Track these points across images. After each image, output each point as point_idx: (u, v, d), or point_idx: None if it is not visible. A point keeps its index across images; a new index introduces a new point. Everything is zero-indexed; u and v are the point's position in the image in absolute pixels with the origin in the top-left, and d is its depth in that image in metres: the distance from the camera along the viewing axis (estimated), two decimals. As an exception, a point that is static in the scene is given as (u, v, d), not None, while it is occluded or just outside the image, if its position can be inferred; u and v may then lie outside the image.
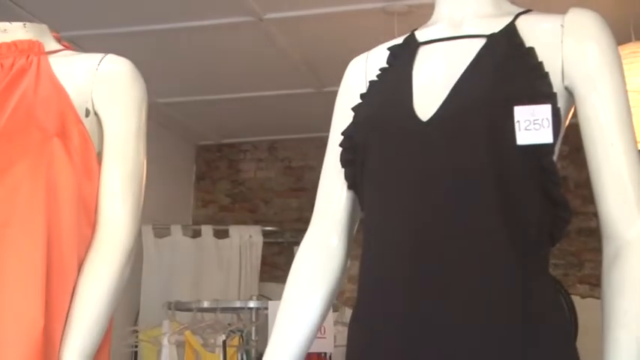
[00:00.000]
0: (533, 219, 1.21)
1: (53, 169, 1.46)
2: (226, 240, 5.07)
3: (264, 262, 5.30)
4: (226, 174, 6.10)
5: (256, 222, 5.61)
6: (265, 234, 5.23)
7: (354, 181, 1.39)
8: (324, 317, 1.43)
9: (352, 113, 1.40)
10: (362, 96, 1.41)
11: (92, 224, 1.51)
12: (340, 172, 1.42)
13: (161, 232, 5.02)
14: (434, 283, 1.20)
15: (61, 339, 1.41)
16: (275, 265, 5.61)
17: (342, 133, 1.40)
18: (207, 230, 5.08)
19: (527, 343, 1.16)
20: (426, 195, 1.23)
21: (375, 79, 1.41)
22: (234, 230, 5.08)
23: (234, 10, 3.71)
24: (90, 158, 1.53)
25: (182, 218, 5.61)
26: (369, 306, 1.28)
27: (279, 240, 5.56)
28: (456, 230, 1.20)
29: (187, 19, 3.86)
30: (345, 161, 1.39)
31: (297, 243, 5.09)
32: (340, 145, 1.40)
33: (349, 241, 1.46)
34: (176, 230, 5.02)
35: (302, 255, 1.45)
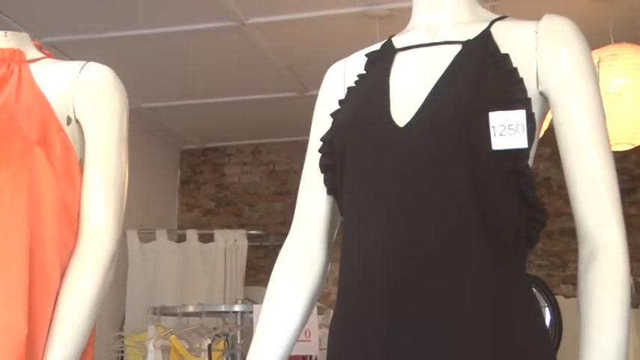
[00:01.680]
0: (510, 222, 1.23)
1: (35, 177, 1.47)
2: (211, 244, 5.08)
3: (249, 265, 5.31)
4: (211, 178, 6.11)
5: (241, 226, 5.63)
6: (250, 238, 5.24)
7: (333, 186, 1.40)
8: (305, 321, 1.44)
9: (331, 119, 1.42)
10: (340, 102, 1.43)
11: (75, 231, 1.52)
12: (320, 177, 1.43)
13: (146, 236, 5.02)
14: (410, 285, 1.21)
15: (45, 347, 1.41)
16: (260, 269, 5.62)
17: (321, 139, 1.41)
18: (192, 234, 5.08)
19: (503, 346, 1.18)
20: (403, 199, 1.25)
21: (353, 85, 1.43)
22: (219, 234, 5.09)
23: (216, 15, 3.72)
24: (72, 166, 1.53)
25: (167, 223, 5.61)
26: (348, 310, 1.29)
27: (264, 244, 5.57)
28: (432, 234, 1.22)
29: (170, 24, 3.87)
30: (324, 166, 1.40)
31: (282, 246, 5.05)
32: (319, 150, 1.41)
33: (329, 246, 1.48)
34: (161, 235, 5.02)
35: (282, 260, 1.47)
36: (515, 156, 1.22)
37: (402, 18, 3.55)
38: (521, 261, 1.27)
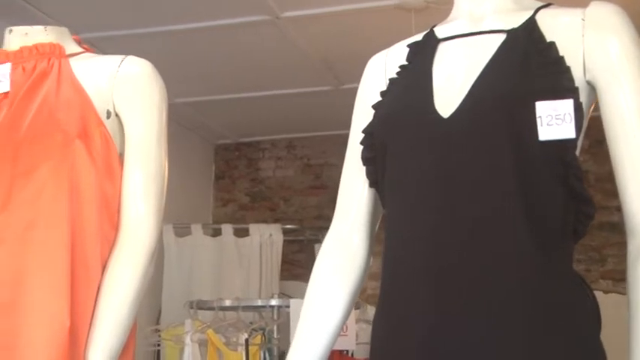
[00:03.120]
0: (557, 215, 1.21)
1: (76, 170, 1.47)
2: (246, 238, 5.08)
3: (285, 260, 5.30)
4: (245, 173, 6.12)
5: (276, 220, 5.62)
6: (285, 232, 5.23)
7: (375, 179, 1.39)
8: (347, 315, 1.43)
9: (372, 111, 1.40)
10: (382, 94, 1.41)
11: (115, 225, 1.52)
12: (361, 170, 1.42)
13: (182, 231, 5.04)
14: (455, 277, 1.19)
15: (87, 339, 1.42)
16: (295, 263, 5.62)
17: (363, 131, 1.40)
18: (227, 229, 5.09)
19: (550, 340, 1.16)
20: (447, 192, 1.23)
21: (395, 76, 1.41)
22: (254, 229, 5.09)
23: (251, 9, 3.72)
24: (112, 160, 1.54)
25: (202, 217, 5.63)
26: (392, 305, 1.28)
27: (299, 238, 5.56)
28: (477, 227, 1.20)
29: (204, 19, 3.87)
30: (366, 159, 1.39)
31: (318, 241, 5.12)
32: (361, 143, 1.40)
33: (371, 239, 1.46)
34: (196, 229, 5.04)
35: (324, 254, 1.46)
36: (562, 146, 1.19)
37: (437, 10, 3.52)
38: (567, 255, 1.25)
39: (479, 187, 1.21)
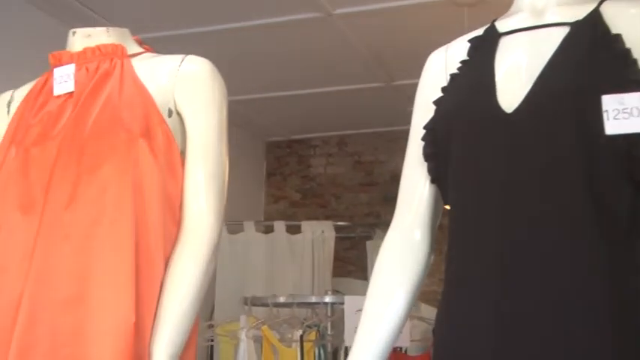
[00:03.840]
0: (625, 210, 1.19)
1: (139, 168, 1.49)
2: (299, 235, 5.10)
3: (336, 257, 5.31)
4: (296, 170, 6.15)
5: (327, 217, 5.64)
6: (337, 229, 5.24)
7: (437, 175, 1.38)
8: (409, 310, 1.43)
9: (433, 107, 1.39)
10: (443, 89, 1.40)
11: (177, 222, 1.54)
12: (422, 165, 1.41)
13: (234, 228, 5.08)
14: (525, 280, 1.18)
15: (151, 334, 1.44)
16: (346, 260, 5.63)
17: (424, 127, 1.39)
18: (279, 226, 5.11)
19: (622, 337, 1.14)
20: (513, 188, 1.22)
21: (456, 71, 1.40)
22: (306, 226, 5.11)
23: (303, 7, 3.74)
24: (173, 157, 1.56)
25: (254, 214, 5.67)
26: (459, 299, 1.27)
27: (351, 235, 5.57)
28: (544, 223, 1.19)
29: (256, 18, 3.90)
30: (428, 155, 1.39)
31: (369, 238, 5.10)
32: (422, 138, 1.40)
33: (432, 235, 1.46)
34: (249, 226, 5.07)
35: (386, 249, 1.46)
36: (630, 141, 1.17)
37: (490, 4, 3.49)
38: (638, 249, 1.23)
39: (545, 182, 1.20)
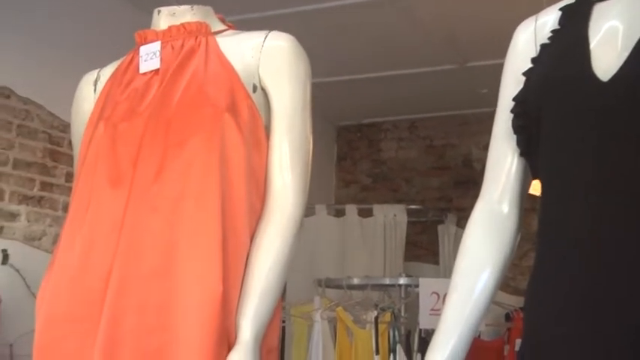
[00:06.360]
0: None
1: (225, 143, 1.51)
2: (370, 219, 5.10)
3: (407, 241, 5.29)
4: (367, 154, 6.13)
5: (398, 201, 5.62)
6: (408, 213, 5.21)
7: (527, 148, 1.36)
8: (497, 288, 1.41)
9: (523, 78, 1.37)
10: (533, 60, 1.37)
11: (261, 196, 1.56)
12: (511, 139, 1.39)
13: (305, 211, 5.08)
14: (617, 251, 1.16)
15: (237, 306, 1.45)
16: (418, 244, 5.60)
17: (514, 99, 1.37)
18: (351, 209, 5.12)
19: None
20: (608, 159, 1.19)
21: (547, 41, 1.37)
22: (378, 209, 5.10)
23: (375, -12, 3.71)
24: (258, 132, 1.57)
25: (324, 198, 5.68)
26: (550, 271, 1.25)
27: (422, 219, 5.54)
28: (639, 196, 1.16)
29: (328, 0, 3.89)
30: (518, 127, 1.36)
31: (441, 222, 5.05)
32: (512, 111, 1.37)
33: (520, 209, 1.44)
34: (321, 210, 5.09)
35: (473, 223, 1.44)
36: None
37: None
38: None
39: None
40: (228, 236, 1.47)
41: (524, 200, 1.45)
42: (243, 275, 1.49)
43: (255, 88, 1.59)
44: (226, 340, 1.42)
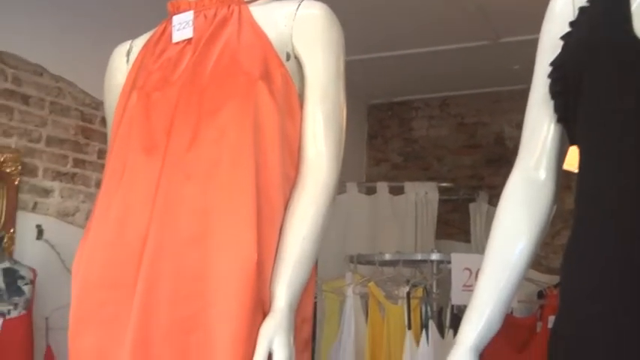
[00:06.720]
0: None
1: (259, 110, 1.50)
2: (401, 196, 5.08)
3: (438, 219, 5.26)
4: (398, 132, 6.10)
5: (429, 180, 5.58)
6: (440, 191, 5.18)
7: (564, 114, 1.33)
8: (533, 257, 1.39)
9: (561, 43, 1.34)
10: (572, 24, 1.34)
11: (295, 164, 1.55)
12: (548, 104, 1.37)
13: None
14: None
15: (272, 274, 1.45)
16: (449, 223, 5.57)
17: (551, 64, 1.34)
18: (382, 187, 5.10)
19: None
20: None
21: (586, 4, 1.34)
22: (409, 187, 5.08)
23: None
24: (292, 100, 1.56)
25: (355, 177, 5.67)
26: (588, 244, 1.22)
27: (453, 197, 5.50)
28: None
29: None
30: (555, 93, 1.34)
31: (472, 200, 5.00)
32: (549, 76, 1.34)
33: (557, 176, 1.41)
34: (352, 187, 5.08)
35: (509, 190, 1.42)
36: None
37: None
38: None
39: None
40: (263, 204, 1.46)
41: (561, 168, 1.43)
42: (278, 243, 1.49)
43: (288, 57, 1.58)
44: (261, 307, 1.42)
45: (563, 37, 1.34)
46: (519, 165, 1.43)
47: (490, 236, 1.41)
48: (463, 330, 1.34)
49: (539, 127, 1.41)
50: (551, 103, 1.36)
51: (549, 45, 1.39)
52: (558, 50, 1.34)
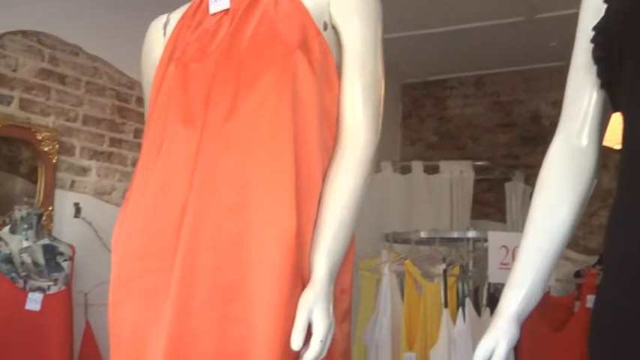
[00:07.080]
0: None
1: (297, 80, 1.50)
2: (437, 175, 5.05)
3: (474, 199, 5.22)
4: (433, 112, 6.06)
5: (464, 159, 5.54)
6: (475, 170, 5.14)
7: (608, 79, 1.31)
8: (575, 227, 1.37)
9: (604, 7, 1.31)
10: (616, -13, 1.32)
11: (333, 134, 1.54)
12: (590, 70, 1.34)
13: (371, 168, 5.07)
14: None
15: (311, 243, 1.45)
16: (485, 202, 5.53)
17: (594, 28, 1.32)
18: (417, 166, 5.07)
19: None
20: None
21: None
22: (444, 166, 5.04)
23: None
24: (330, 70, 1.55)
25: (390, 156, 5.64)
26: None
27: (489, 177, 5.46)
28: None
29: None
30: (598, 58, 1.31)
31: (508, 179, 4.96)
32: (592, 40, 1.32)
33: (600, 143, 1.39)
34: (386, 167, 5.06)
35: (551, 157, 1.40)
36: None
37: None
38: None
39: None
40: (301, 173, 1.46)
41: (603, 137, 1.41)
42: (317, 214, 1.48)
43: (325, 26, 1.57)
44: (300, 277, 1.42)
45: (606, 1, 1.31)
46: (561, 133, 1.41)
47: (532, 204, 1.40)
48: (505, 297, 1.33)
49: (582, 93, 1.39)
50: (593, 69, 1.34)
51: (592, 9, 1.37)
52: (601, 15, 1.32)
